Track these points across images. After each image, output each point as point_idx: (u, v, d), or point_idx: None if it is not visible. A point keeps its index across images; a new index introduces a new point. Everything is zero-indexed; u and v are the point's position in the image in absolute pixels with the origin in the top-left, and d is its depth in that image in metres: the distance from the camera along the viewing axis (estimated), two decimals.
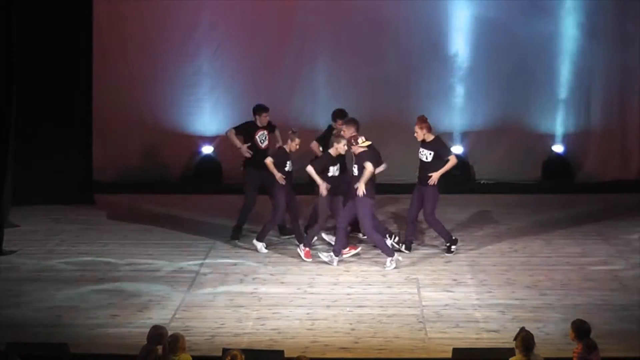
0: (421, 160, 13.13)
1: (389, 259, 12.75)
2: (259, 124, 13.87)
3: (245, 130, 13.93)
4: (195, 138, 16.69)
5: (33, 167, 15.27)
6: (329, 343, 10.45)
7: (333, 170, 12.99)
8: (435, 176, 13.02)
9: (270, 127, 13.98)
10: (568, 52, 16.46)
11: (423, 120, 13.11)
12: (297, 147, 13.23)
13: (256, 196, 13.87)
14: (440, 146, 13.15)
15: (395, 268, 12.69)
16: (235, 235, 13.93)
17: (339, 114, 13.66)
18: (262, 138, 13.84)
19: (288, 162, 13.25)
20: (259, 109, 13.90)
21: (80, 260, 13.18)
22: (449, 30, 16.44)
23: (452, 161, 13.12)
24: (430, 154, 13.05)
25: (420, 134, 13.07)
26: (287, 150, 13.23)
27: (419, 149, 13.14)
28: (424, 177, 13.10)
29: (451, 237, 13.35)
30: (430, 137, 13.10)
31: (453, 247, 13.29)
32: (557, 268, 12.75)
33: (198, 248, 13.66)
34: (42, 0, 15.32)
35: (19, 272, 12.74)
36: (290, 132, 13.31)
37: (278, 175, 13.12)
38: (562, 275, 12.45)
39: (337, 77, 16.34)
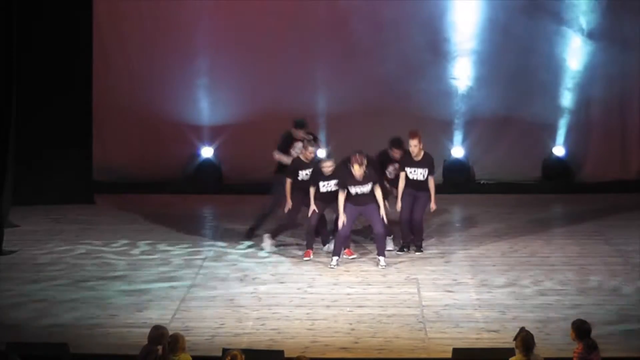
0: (414, 180, 13.08)
1: (381, 258, 12.79)
2: (295, 136, 13.67)
3: (284, 143, 13.69)
4: (195, 138, 16.69)
5: (33, 167, 15.27)
6: (329, 343, 10.44)
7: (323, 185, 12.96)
8: (434, 203, 13.06)
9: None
10: (568, 52, 16.46)
11: (420, 135, 13.09)
12: (312, 155, 13.13)
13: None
14: (432, 162, 13.18)
15: (386, 266, 12.73)
16: (249, 235, 13.87)
17: (395, 143, 13.31)
18: (297, 150, 13.66)
19: (301, 172, 13.08)
20: (297, 125, 13.60)
21: (80, 260, 13.18)
22: (449, 30, 16.44)
23: (433, 182, 13.16)
24: (425, 171, 13.07)
25: (418, 149, 13.05)
26: (303, 159, 13.15)
27: (409, 169, 13.04)
28: (419, 188, 13.10)
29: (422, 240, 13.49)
30: (421, 154, 13.12)
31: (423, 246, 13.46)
32: (557, 268, 12.74)
33: (198, 248, 13.66)
34: (42, 0, 15.31)
35: (19, 272, 12.73)
36: (305, 140, 13.25)
37: (288, 201, 13.07)
38: (562, 275, 12.45)
39: (337, 78, 16.33)
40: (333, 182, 12.85)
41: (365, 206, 12.70)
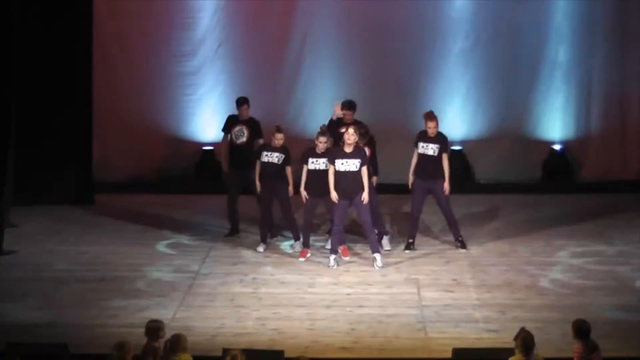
0: (425, 155, 13.12)
1: (378, 255, 12.77)
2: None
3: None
4: (195, 137, 16.68)
5: (33, 167, 15.24)
6: (329, 343, 10.45)
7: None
8: (447, 185, 13.11)
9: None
10: (568, 52, 16.45)
11: (437, 118, 13.15)
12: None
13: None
14: (445, 140, 13.27)
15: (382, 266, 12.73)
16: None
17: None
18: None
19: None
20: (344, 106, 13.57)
21: (80, 260, 13.18)
22: (449, 30, 16.43)
23: (447, 160, 13.21)
24: (437, 147, 13.11)
25: (436, 131, 13.12)
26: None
27: (421, 142, 13.12)
28: (432, 171, 13.11)
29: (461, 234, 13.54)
30: (436, 133, 13.21)
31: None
32: (557, 268, 12.75)
33: (198, 248, 13.66)
34: (42, 1, 15.29)
35: (19, 272, 12.73)
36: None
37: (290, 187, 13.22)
38: (562, 275, 12.45)
39: (338, 77, 16.32)
40: (322, 160, 12.83)
41: (354, 197, 12.62)
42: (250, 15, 16.39)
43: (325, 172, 12.76)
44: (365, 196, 12.57)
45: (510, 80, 16.50)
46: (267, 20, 16.37)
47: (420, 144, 13.18)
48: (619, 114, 16.64)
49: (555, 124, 16.67)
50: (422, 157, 13.17)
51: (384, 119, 15.55)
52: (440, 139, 13.18)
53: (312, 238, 13.35)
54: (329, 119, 13.66)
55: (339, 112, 13.52)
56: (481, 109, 16.63)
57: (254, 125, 13.88)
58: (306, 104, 16.48)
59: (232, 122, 13.94)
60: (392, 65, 16.38)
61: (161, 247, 13.72)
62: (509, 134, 16.63)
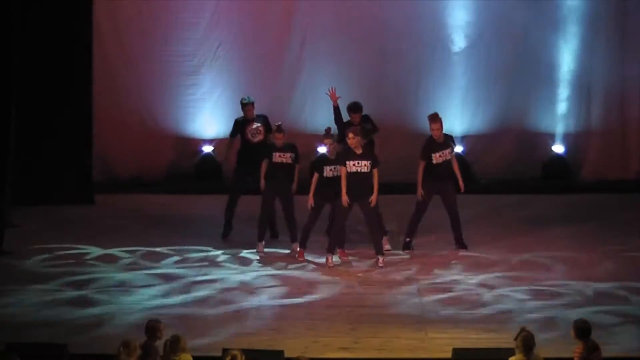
0: (445, 161, 13.09)
1: (381, 257, 12.77)
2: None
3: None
4: (195, 137, 16.70)
5: (33, 167, 15.25)
6: (329, 343, 10.45)
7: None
8: (462, 183, 13.26)
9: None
10: (568, 51, 16.47)
11: (440, 119, 13.10)
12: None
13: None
14: (452, 140, 13.30)
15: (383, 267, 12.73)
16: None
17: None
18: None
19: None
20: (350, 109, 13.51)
21: (80, 260, 13.17)
22: (449, 30, 16.44)
23: (456, 159, 13.33)
24: (449, 150, 13.13)
25: (441, 132, 13.07)
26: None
27: (435, 153, 13.03)
28: (444, 174, 13.11)
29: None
30: (442, 135, 13.17)
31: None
32: (557, 268, 12.75)
33: (198, 248, 13.66)
34: (42, 1, 15.29)
35: (19, 272, 12.73)
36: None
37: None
38: (562, 275, 12.45)
39: (338, 76, 16.30)
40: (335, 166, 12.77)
41: (361, 199, 12.59)
42: (250, 15, 16.42)
43: (339, 179, 12.68)
44: (373, 199, 12.56)
45: (510, 80, 16.52)
46: (267, 20, 16.39)
47: (437, 154, 13.07)
48: (619, 113, 16.66)
49: (555, 123, 16.69)
50: (438, 165, 13.13)
51: (384, 119, 15.50)
52: (450, 142, 13.21)
53: (311, 238, 13.33)
54: (332, 106, 13.55)
55: (335, 99, 13.46)
56: (481, 109, 16.64)
57: (266, 122, 13.89)
58: (306, 104, 16.51)
59: (243, 124, 13.85)
60: (392, 65, 16.41)
61: (160, 247, 13.72)
62: (509, 134, 16.65)
